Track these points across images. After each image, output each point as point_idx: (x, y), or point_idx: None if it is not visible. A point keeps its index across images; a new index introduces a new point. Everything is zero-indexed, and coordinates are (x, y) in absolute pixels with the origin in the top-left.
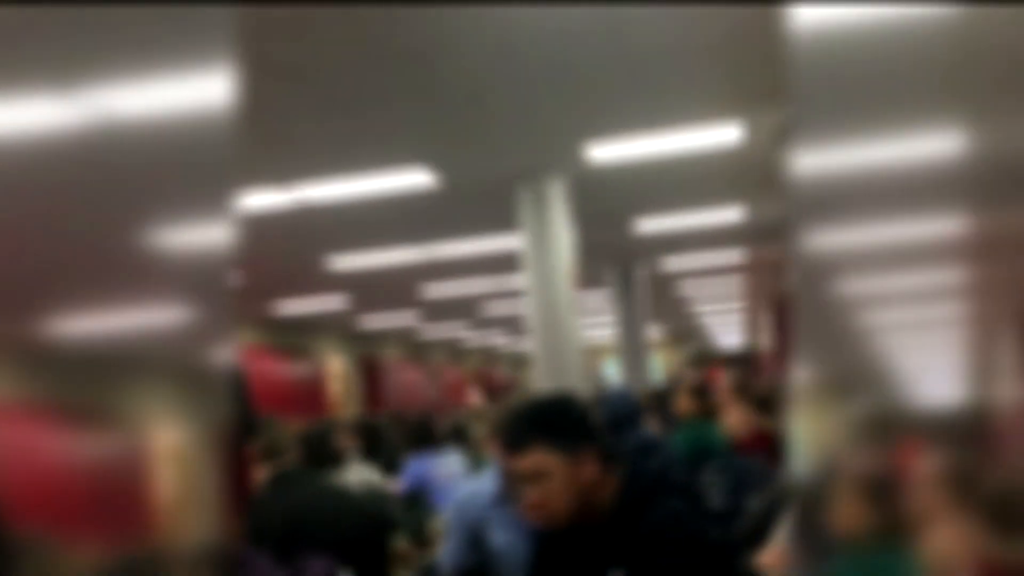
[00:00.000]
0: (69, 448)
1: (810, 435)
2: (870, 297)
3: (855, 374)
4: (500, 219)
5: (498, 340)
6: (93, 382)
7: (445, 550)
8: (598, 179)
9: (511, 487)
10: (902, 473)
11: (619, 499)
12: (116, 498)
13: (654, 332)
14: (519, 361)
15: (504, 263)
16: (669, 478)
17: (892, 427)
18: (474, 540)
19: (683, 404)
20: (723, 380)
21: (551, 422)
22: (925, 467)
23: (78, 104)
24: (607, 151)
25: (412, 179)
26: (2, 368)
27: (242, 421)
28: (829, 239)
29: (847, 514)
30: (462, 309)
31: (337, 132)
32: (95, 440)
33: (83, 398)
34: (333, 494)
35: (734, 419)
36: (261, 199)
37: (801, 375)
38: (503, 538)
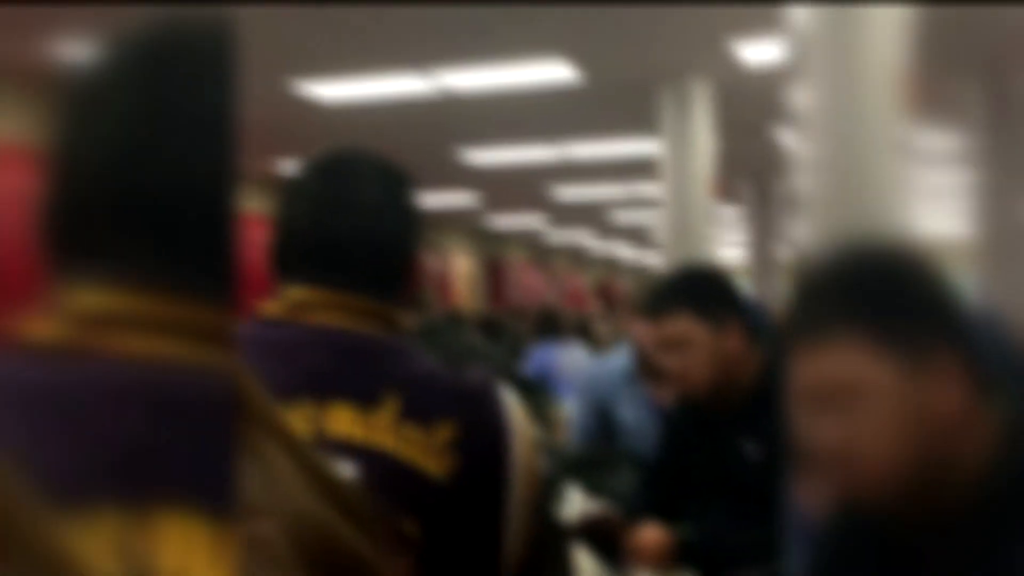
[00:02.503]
0: None
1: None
2: None
3: None
4: (639, 121)
5: (623, 252)
6: None
7: (575, 426)
8: (743, 83)
9: (643, 364)
10: None
11: (762, 378)
12: None
13: (788, 253)
14: (641, 276)
15: (637, 168)
16: None
17: None
18: (602, 416)
19: None
20: None
21: (698, 290)
22: None
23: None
24: (758, 51)
25: (552, 71)
26: None
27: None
28: None
29: None
30: (589, 215)
31: (479, 17)
32: None
33: None
34: (472, 344)
35: None
36: (399, 84)
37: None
38: (632, 415)
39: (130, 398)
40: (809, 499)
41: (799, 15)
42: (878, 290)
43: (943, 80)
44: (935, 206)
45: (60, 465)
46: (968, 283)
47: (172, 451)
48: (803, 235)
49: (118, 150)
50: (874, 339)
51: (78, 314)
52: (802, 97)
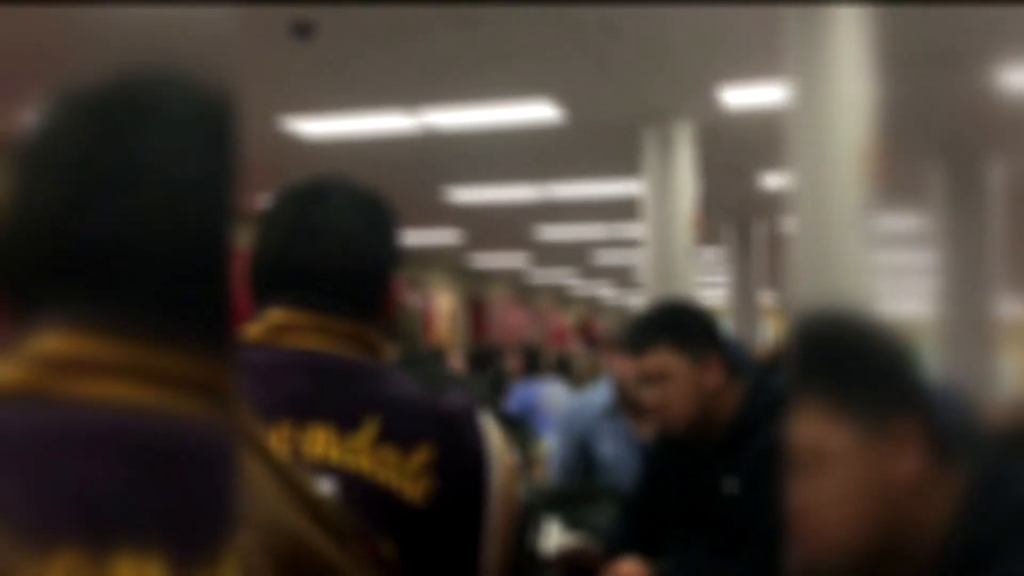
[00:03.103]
0: None
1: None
2: None
3: None
4: (622, 162)
5: (604, 291)
6: None
7: (555, 461)
8: (725, 126)
9: (623, 399)
10: None
11: (740, 412)
12: None
13: (767, 298)
14: (623, 315)
15: (620, 210)
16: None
17: None
18: (582, 451)
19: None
20: None
21: (678, 324)
22: None
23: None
24: (740, 96)
25: (538, 111)
26: None
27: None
28: None
29: None
30: (572, 255)
31: (465, 56)
32: None
33: None
34: (454, 375)
35: None
36: (384, 121)
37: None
38: (612, 450)
39: (91, 442)
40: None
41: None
42: (839, 359)
43: (907, 162)
44: (898, 286)
45: (19, 507)
46: (929, 358)
47: (133, 496)
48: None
49: (63, 201)
50: (834, 406)
51: (39, 358)
52: (646, 225)
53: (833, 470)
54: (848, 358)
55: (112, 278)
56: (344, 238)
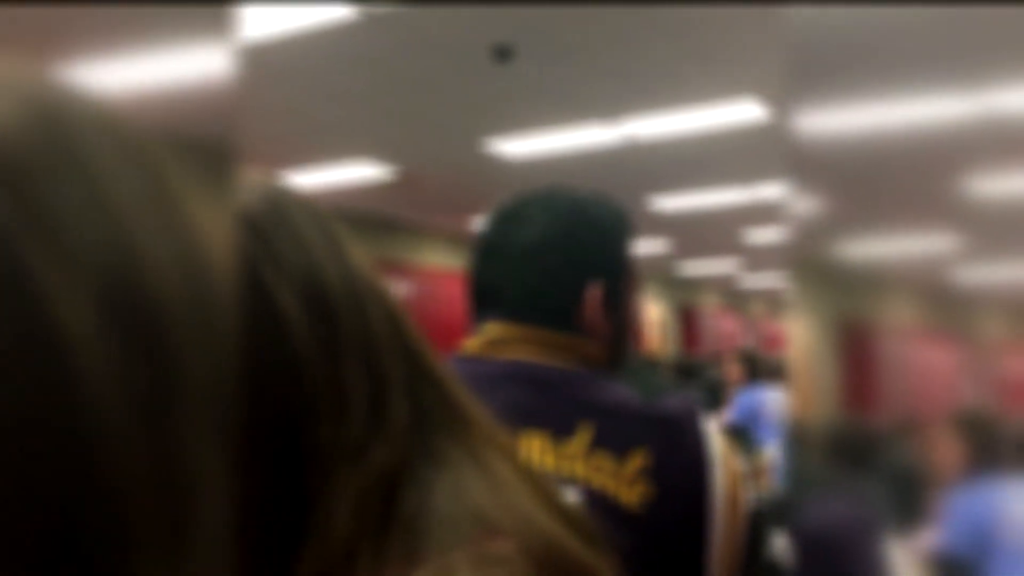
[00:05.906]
0: None
1: None
2: None
3: None
4: None
5: None
6: None
7: (781, 468)
8: None
9: None
10: None
11: None
12: None
13: None
14: None
15: None
16: None
17: None
18: None
19: None
20: None
21: None
22: None
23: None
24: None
25: (743, 112)
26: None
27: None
28: None
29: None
30: (784, 257)
31: (664, 61)
32: None
33: None
34: (665, 386)
35: None
36: (586, 135)
37: None
38: None
39: (509, 378)
40: None
41: None
42: None
43: None
44: None
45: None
46: None
47: (538, 404)
48: None
49: (482, 273)
50: None
51: (485, 338)
52: None
53: None
54: None
55: (510, 302)
56: (528, 254)
